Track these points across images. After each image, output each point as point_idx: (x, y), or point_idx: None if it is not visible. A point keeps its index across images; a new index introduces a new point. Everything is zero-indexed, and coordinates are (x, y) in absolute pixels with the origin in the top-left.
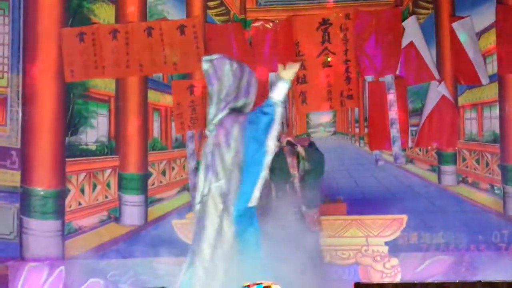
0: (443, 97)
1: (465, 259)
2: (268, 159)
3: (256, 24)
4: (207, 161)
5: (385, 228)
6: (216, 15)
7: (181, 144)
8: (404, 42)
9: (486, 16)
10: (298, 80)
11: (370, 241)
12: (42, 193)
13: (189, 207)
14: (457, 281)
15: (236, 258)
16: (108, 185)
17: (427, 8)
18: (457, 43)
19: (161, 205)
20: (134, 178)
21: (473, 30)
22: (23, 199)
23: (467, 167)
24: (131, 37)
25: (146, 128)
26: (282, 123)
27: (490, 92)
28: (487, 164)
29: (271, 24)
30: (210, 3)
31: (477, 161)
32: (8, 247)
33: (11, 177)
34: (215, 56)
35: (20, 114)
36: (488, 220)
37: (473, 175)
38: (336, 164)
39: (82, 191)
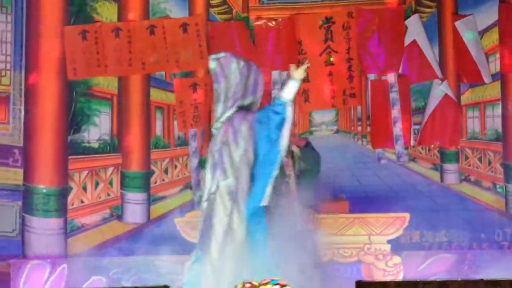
0: (446, 95)
1: (467, 257)
2: (281, 158)
3: (258, 22)
4: (215, 159)
5: (388, 226)
6: (218, 13)
7: (183, 142)
8: (407, 40)
9: (489, 15)
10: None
11: (372, 239)
12: (44, 191)
13: (191, 205)
14: (459, 280)
15: (245, 256)
16: (111, 183)
17: (430, 7)
18: (460, 42)
19: (164, 203)
20: (137, 176)
21: (476, 29)
22: (26, 197)
23: (469, 165)
24: (134, 36)
25: (149, 126)
26: None
27: (493, 90)
28: (490, 163)
29: (273, 22)
30: (213, 2)
31: (480, 160)
32: (10, 245)
33: (14, 175)
34: (221, 55)
35: (22, 112)
36: (491, 219)
37: (475, 174)
38: (338, 162)
39: (85, 189)
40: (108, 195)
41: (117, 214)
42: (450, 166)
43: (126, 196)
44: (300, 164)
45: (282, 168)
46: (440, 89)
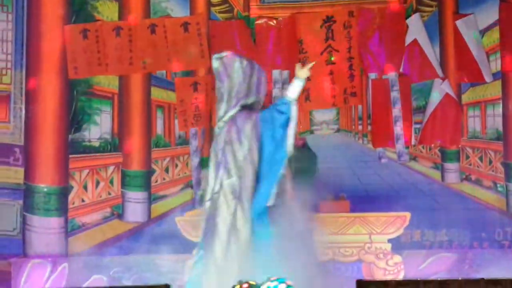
0: (447, 94)
1: (468, 256)
2: (287, 158)
3: (259, 21)
4: (218, 158)
5: (388, 225)
6: (219, 12)
7: (184, 141)
8: (408, 39)
9: (489, 14)
10: None
11: (373, 238)
12: (45, 190)
13: (192, 204)
14: (460, 279)
15: (250, 256)
16: (111, 182)
17: (431, 6)
18: (460, 41)
19: (165, 202)
20: (137, 175)
21: (477, 28)
22: (27, 196)
23: (470, 164)
24: (135, 34)
25: (150, 125)
26: None
27: (494, 89)
28: (491, 162)
29: (274, 21)
30: (214, 0)
31: (481, 159)
32: (11, 244)
33: (15, 174)
34: (224, 54)
35: (23, 111)
36: (491, 218)
37: (476, 173)
38: (339, 161)
39: (85, 188)
40: (109, 194)
41: (118, 213)
42: (451, 165)
43: (127, 195)
44: (296, 164)
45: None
46: (441, 88)
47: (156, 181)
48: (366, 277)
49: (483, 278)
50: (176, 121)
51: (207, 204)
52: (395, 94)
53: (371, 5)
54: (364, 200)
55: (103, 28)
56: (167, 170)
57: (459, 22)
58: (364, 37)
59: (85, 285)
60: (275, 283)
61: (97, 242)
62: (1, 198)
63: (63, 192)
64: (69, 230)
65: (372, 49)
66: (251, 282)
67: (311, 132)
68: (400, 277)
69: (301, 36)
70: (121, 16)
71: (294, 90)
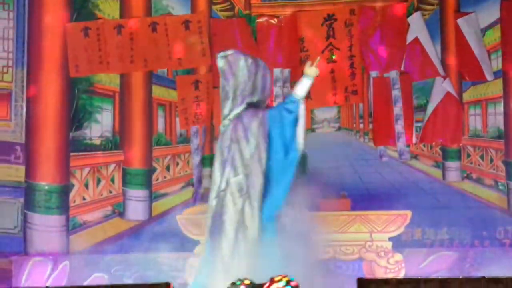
0: (448, 93)
1: (469, 255)
2: (299, 158)
3: (260, 19)
4: (224, 156)
5: (389, 223)
6: (221, 10)
7: (185, 139)
8: (409, 38)
9: (491, 12)
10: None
11: (374, 236)
12: (46, 188)
13: (193, 201)
14: (461, 277)
15: (258, 254)
16: (112, 180)
17: (432, 4)
18: (462, 39)
19: (166, 200)
20: (139, 173)
21: (478, 26)
22: (28, 194)
23: (471, 163)
24: (136, 33)
25: (151, 123)
26: None
27: (495, 88)
28: (492, 160)
29: (275, 19)
30: None
31: (482, 157)
32: (12, 242)
33: (16, 172)
34: (229, 52)
35: (24, 109)
36: (493, 216)
37: (477, 171)
38: (340, 159)
39: (87, 186)
40: (110, 192)
41: (119, 211)
42: (452, 164)
43: (128, 193)
44: None
45: None
46: (442, 87)
47: (157, 179)
48: (367, 275)
49: (484, 277)
50: (177, 119)
51: (213, 202)
52: (396, 93)
53: (373, 3)
54: (365, 198)
55: (104, 26)
56: (168, 168)
57: (460, 21)
58: (365, 36)
59: (86, 283)
60: (283, 283)
61: (98, 240)
62: (2, 196)
63: (64, 190)
64: (70, 228)
65: (374, 47)
66: (246, 282)
67: (312, 130)
68: (401, 275)
69: (302, 34)
70: (122, 14)
71: (302, 88)
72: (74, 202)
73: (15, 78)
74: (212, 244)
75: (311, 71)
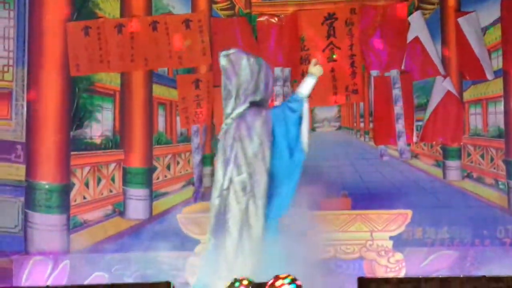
0: (448, 92)
1: (469, 254)
2: (304, 157)
3: (261, 18)
4: (226, 155)
5: (390, 223)
6: (221, 9)
7: (186, 138)
8: (410, 37)
9: (491, 12)
10: (303, 74)
11: (374, 235)
12: (47, 187)
13: (194, 200)
14: (461, 276)
15: (261, 252)
16: (113, 179)
17: (433, 3)
18: (462, 39)
19: (166, 199)
20: (139, 172)
21: (479, 25)
22: (28, 193)
23: (472, 162)
24: (136, 32)
25: (151, 122)
26: None
27: (495, 87)
28: (492, 159)
29: (276, 18)
30: None
31: (482, 156)
32: (12, 241)
33: (16, 171)
34: (231, 51)
35: (25, 108)
36: (493, 215)
37: (478, 170)
38: (341, 159)
39: (87, 185)
40: (111, 191)
41: (120, 210)
42: (452, 163)
43: (128, 192)
44: None
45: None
46: (442, 86)
47: (158, 178)
48: (368, 274)
49: (484, 276)
50: (178, 118)
51: (216, 201)
52: (396, 92)
53: (373, 2)
54: (365, 197)
55: (105, 25)
56: (168, 167)
57: (461, 20)
58: (366, 35)
59: (86, 282)
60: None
61: (99, 240)
62: (3, 195)
63: (65, 189)
64: (71, 227)
65: (374, 46)
66: (245, 283)
67: (313, 129)
68: (402, 274)
69: (302, 33)
70: (123, 13)
71: (306, 87)
72: (75, 201)
73: (15, 77)
74: (215, 242)
75: (315, 70)
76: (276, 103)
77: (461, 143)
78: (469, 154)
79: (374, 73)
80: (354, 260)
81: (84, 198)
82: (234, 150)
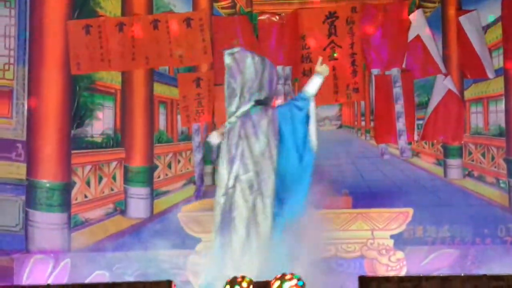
0: (449, 91)
1: (470, 252)
2: (314, 157)
3: (262, 17)
4: (231, 153)
5: (391, 221)
6: (222, 8)
7: (187, 137)
8: (411, 35)
9: (492, 10)
10: (304, 73)
11: (375, 234)
12: (48, 185)
13: (195, 198)
14: (462, 275)
15: (268, 250)
16: (114, 178)
17: (434, 2)
18: (463, 37)
19: (167, 197)
20: (140, 171)
21: (480, 24)
22: (29, 192)
23: (473, 160)
24: (137, 30)
25: (152, 120)
26: None
27: (496, 86)
28: (493, 158)
29: (277, 17)
30: None
31: (483, 155)
32: (13, 240)
33: (17, 170)
34: (236, 49)
35: (25, 107)
36: (494, 214)
37: (479, 169)
38: (342, 157)
39: (88, 183)
40: (112, 189)
41: (121, 209)
42: (453, 161)
43: (130, 190)
44: None
45: None
46: (443, 85)
47: (159, 177)
48: (369, 273)
49: (485, 274)
50: (179, 117)
51: (221, 199)
52: (397, 90)
53: (374, 1)
54: (366, 196)
55: (106, 23)
56: (169, 166)
57: (462, 18)
58: (367, 33)
59: (87, 281)
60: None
61: (100, 238)
62: (4, 193)
63: (66, 188)
64: (72, 226)
65: (375, 45)
66: (242, 280)
67: None
68: (403, 273)
69: (303, 32)
70: (123, 12)
71: (313, 86)
72: (76, 199)
73: (16, 75)
74: (221, 241)
75: (322, 69)
76: (278, 101)
77: (462, 142)
78: (470, 153)
79: (375, 71)
80: (355, 258)
81: (85, 196)
82: (240, 148)
